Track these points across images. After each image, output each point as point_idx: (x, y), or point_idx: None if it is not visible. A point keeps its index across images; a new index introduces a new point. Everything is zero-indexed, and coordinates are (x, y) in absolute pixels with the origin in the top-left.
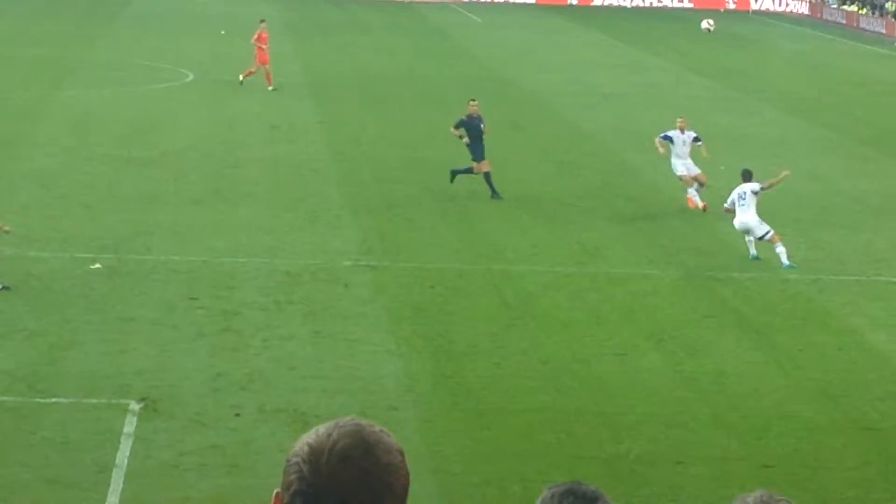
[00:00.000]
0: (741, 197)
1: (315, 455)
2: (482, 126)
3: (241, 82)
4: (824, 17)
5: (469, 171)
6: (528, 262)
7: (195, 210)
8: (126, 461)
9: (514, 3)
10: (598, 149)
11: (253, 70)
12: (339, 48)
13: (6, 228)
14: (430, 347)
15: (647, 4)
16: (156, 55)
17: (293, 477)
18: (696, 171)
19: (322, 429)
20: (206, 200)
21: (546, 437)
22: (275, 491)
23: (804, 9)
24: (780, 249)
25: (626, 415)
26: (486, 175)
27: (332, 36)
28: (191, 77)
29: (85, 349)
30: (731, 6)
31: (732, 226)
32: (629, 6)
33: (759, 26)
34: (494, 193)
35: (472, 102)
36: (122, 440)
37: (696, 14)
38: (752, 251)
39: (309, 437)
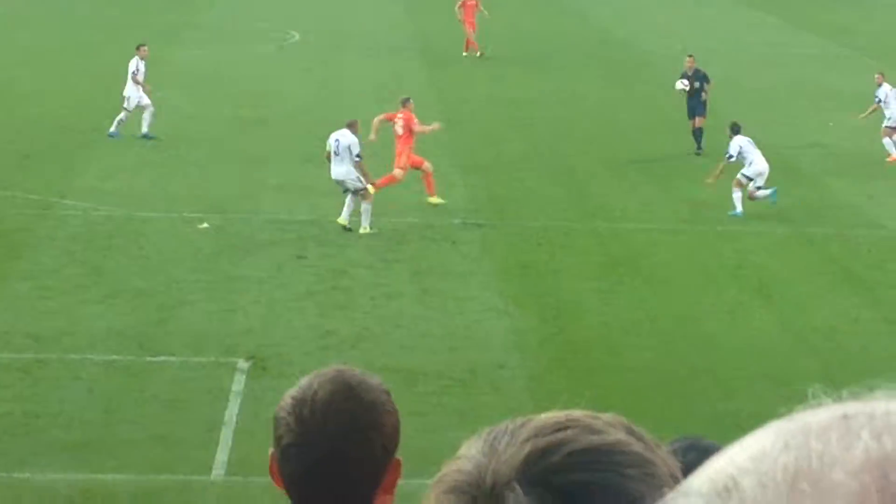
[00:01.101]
0: (751, 144)
1: (299, 406)
2: (696, 84)
3: (472, 54)
4: None
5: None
6: (636, 219)
7: (303, 169)
8: (235, 419)
9: None
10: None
11: (471, 38)
12: (450, 7)
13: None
14: (537, 305)
15: None
16: (263, 16)
17: (282, 431)
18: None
19: (304, 380)
20: (315, 160)
21: (654, 395)
22: (270, 451)
23: None
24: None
25: (736, 372)
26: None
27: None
28: (297, 37)
29: (193, 308)
30: None
31: (756, 176)
32: None
33: None
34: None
35: (687, 58)
36: (230, 398)
37: None
38: (739, 208)
39: (292, 391)
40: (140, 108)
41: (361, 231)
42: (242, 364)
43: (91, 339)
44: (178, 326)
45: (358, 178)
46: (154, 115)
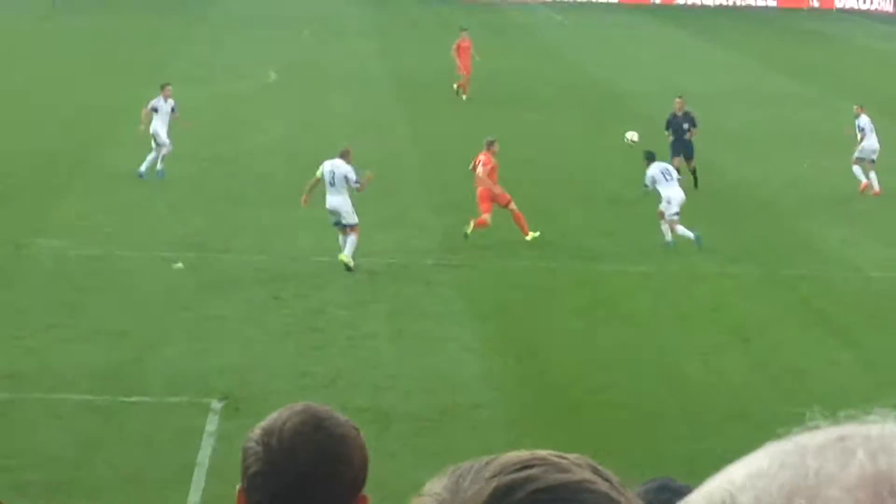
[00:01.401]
0: (667, 172)
1: (267, 435)
2: (685, 125)
3: (460, 94)
4: None
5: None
6: (612, 261)
7: (279, 209)
8: (207, 460)
9: (597, 3)
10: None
11: (463, 81)
12: (425, 46)
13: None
14: (513, 346)
15: (731, 3)
16: (238, 55)
17: (250, 461)
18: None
19: (274, 413)
20: (291, 199)
21: (631, 434)
22: (238, 486)
23: (889, 6)
24: (681, 231)
25: (709, 414)
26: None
27: (419, 34)
28: (273, 77)
29: (169, 348)
30: (815, 4)
31: (665, 204)
32: (712, 5)
33: (843, 24)
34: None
35: (677, 99)
36: (203, 438)
37: (780, 13)
38: (669, 237)
39: (262, 423)
40: (154, 145)
41: (342, 258)
42: (216, 404)
43: (67, 378)
44: (153, 366)
45: (352, 210)
46: (163, 159)
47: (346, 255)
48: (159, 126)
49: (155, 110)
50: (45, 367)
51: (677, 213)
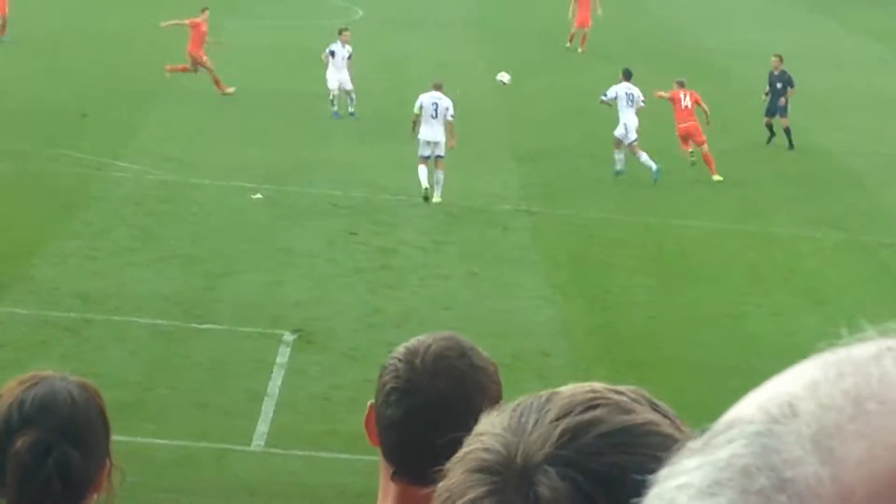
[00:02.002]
0: (630, 96)
1: (411, 354)
2: (778, 85)
3: (576, 47)
4: None
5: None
6: (688, 216)
7: (360, 146)
8: (277, 391)
9: None
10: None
11: (574, 32)
12: None
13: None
14: (585, 296)
15: None
16: None
17: (388, 377)
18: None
19: (420, 336)
20: (371, 137)
21: (697, 392)
22: (369, 402)
23: None
24: (645, 158)
25: (776, 372)
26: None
27: None
28: (360, 14)
29: (242, 278)
30: None
31: (622, 132)
32: None
33: None
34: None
35: (773, 58)
36: (274, 370)
37: None
38: (619, 166)
39: (406, 343)
40: (343, 92)
41: (436, 200)
42: (288, 336)
43: (137, 302)
44: (225, 295)
45: (446, 142)
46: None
47: (438, 196)
48: (332, 71)
49: (332, 54)
50: (117, 289)
51: (636, 140)
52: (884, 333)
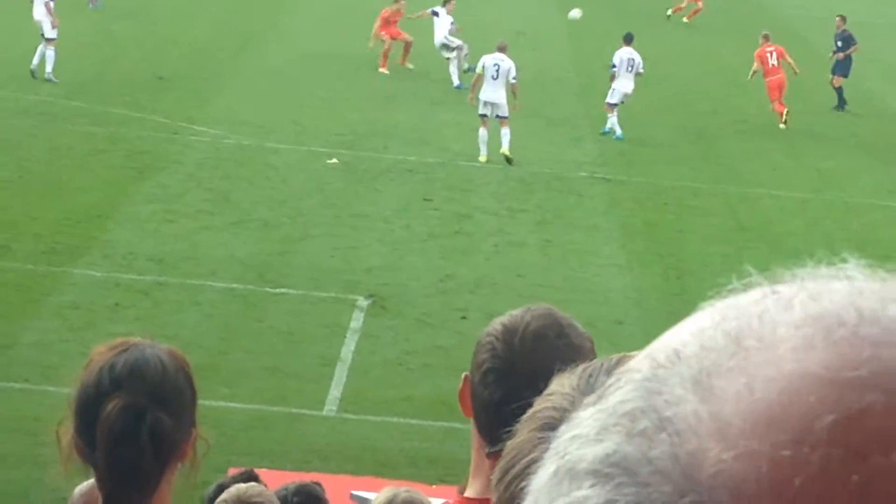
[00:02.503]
0: (631, 61)
1: (509, 333)
2: (839, 43)
3: (684, 19)
4: None
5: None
6: (765, 185)
7: (434, 111)
8: (350, 356)
9: None
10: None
11: (683, 5)
12: None
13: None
14: (660, 264)
15: None
16: None
17: (486, 355)
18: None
19: (516, 312)
20: (446, 102)
21: None
22: (463, 374)
23: None
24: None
25: None
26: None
27: None
28: None
29: (317, 243)
30: None
31: (610, 91)
32: None
33: None
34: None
35: (838, 18)
36: (347, 335)
37: None
38: (619, 130)
39: (503, 318)
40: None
41: (504, 152)
42: (362, 301)
43: (212, 265)
44: (300, 259)
45: (507, 103)
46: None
47: (506, 149)
48: (437, 33)
49: (435, 14)
50: (192, 252)
51: (618, 104)
52: (771, 280)
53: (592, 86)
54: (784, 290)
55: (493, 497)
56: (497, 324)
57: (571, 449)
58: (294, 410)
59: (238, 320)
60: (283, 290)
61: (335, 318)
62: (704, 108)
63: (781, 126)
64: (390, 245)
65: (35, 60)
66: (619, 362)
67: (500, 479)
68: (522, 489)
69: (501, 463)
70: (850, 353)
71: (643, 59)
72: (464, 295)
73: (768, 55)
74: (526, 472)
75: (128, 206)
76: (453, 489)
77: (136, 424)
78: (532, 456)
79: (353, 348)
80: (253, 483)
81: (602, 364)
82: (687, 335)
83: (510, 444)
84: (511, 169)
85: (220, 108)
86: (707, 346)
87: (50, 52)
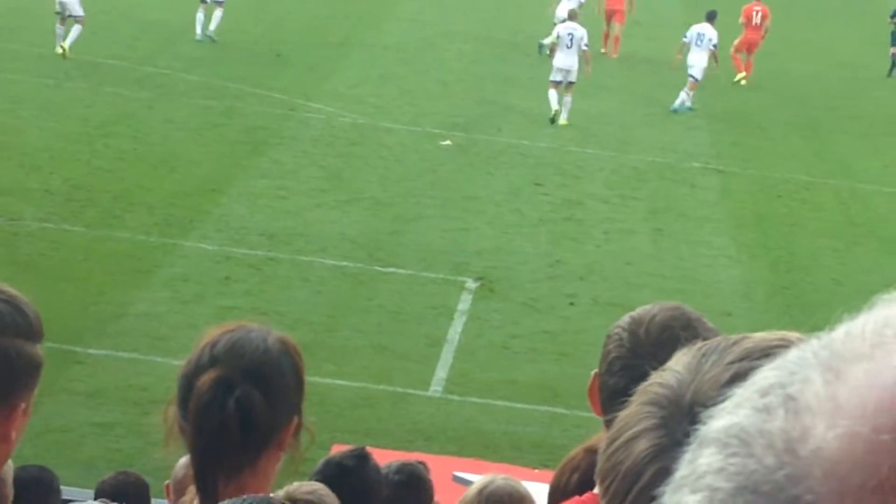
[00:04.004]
0: (701, 36)
1: (636, 324)
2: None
3: None
4: None
5: None
6: (879, 181)
7: (547, 95)
8: (458, 337)
9: None
10: None
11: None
12: None
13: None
14: (770, 257)
15: None
16: None
17: (613, 345)
18: None
19: (646, 306)
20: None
21: None
22: (593, 371)
23: None
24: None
25: None
26: None
27: None
28: None
29: (427, 223)
30: None
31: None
32: None
33: None
34: None
35: None
36: (455, 316)
37: None
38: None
39: (632, 312)
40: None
41: (562, 122)
42: (471, 284)
43: (323, 242)
44: (410, 239)
45: (579, 69)
46: None
47: (564, 118)
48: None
49: None
50: (303, 229)
51: (694, 78)
52: None
53: (709, 76)
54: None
55: (598, 465)
56: (626, 316)
57: (712, 419)
58: (399, 390)
59: (347, 298)
60: (392, 270)
61: (443, 299)
62: (820, 102)
63: (735, 82)
64: (500, 228)
65: (199, 26)
66: (735, 343)
67: (604, 450)
68: (623, 461)
69: (609, 433)
70: None
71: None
72: (572, 281)
73: (754, 13)
74: (628, 444)
75: (241, 180)
76: None
77: (225, 397)
78: (636, 429)
79: (459, 330)
80: (312, 483)
81: (718, 343)
82: (843, 325)
83: (621, 415)
84: (624, 157)
85: (336, 86)
86: (852, 333)
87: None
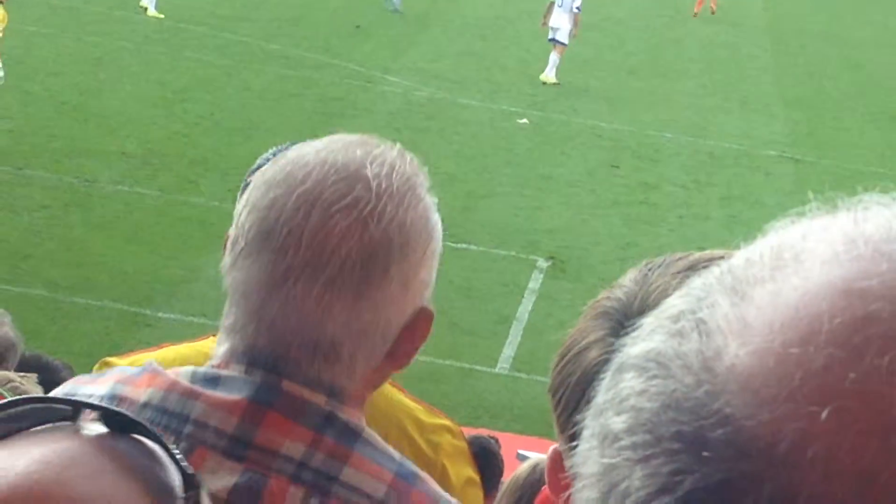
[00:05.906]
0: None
1: None
2: None
3: None
4: None
5: None
6: None
7: (628, 79)
8: (527, 316)
9: None
10: None
11: None
12: None
13: None
14: None
15: None
16: None
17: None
18: None
19: None
20: (640, 71)
21: None
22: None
23: None
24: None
25: None
26: None
27: None
28: None
29: (501, 201)
30: None
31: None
32: None
33: None
34: None
35: None
36: (525, 295)
37: None
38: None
39: None
40: None
41: (542, 78)
42: (542, 263)
43: None
44: (483, 216)
45: (570, 30)
46: None
47: (546, 75)
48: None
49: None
50: None
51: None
52: (830, 207)
53: (787, 64)
54: (837, 215)
55: (550, 382)
56: None
57: (627, 347)
58: (466, 366)
59: None
60: (464, 246)
61: (514, 276)
62: None
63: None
64: (574, 209)
65: None
66: (682, 257)
67: (554, 365)
68: (573, 372)
69: (560, 350)
70: (867, 267)
71: (840, 39)
72: None
73: None
74: (577, 356)
75: None
76: None
77: None
78: (585, 342)
79: (529, 308)
80: None
81: (664, 258)
82: (740, 253)
83: (569, 333)
84: (701, 142)
85: (414, 60)
86: (752, 259)
87: None
